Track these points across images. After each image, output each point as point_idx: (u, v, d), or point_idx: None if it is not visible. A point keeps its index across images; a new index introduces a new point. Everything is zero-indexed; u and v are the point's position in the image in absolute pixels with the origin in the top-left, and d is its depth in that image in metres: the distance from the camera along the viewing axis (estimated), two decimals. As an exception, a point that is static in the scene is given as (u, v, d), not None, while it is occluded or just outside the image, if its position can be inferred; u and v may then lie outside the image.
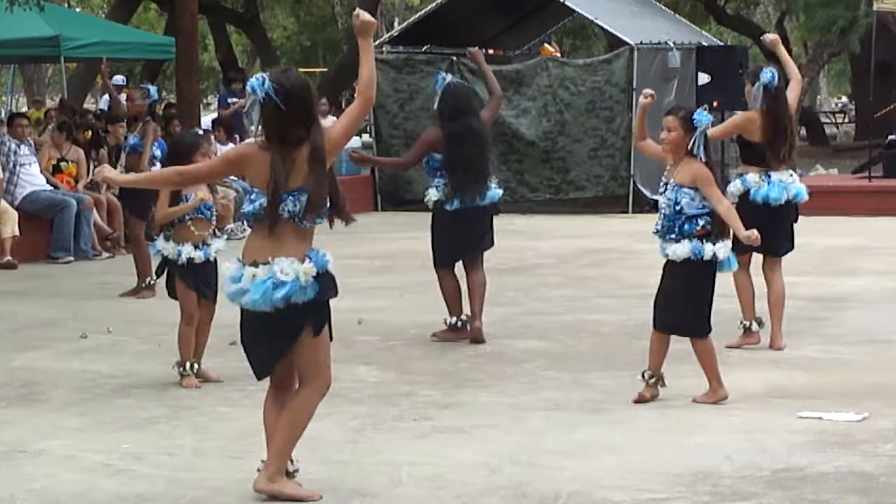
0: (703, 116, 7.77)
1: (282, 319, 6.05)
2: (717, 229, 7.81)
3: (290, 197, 6.02)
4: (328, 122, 26.28)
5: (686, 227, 7.83)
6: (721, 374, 7.94)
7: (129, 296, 12.40)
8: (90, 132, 17.16)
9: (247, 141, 6.13)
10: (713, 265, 7.82)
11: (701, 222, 7.82)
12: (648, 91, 8.11)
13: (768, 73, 9.38)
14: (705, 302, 7.88)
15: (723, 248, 7.80)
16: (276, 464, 6.12)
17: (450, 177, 9.90)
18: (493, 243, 10.26)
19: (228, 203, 17.12)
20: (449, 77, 10.18)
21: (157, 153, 12.65)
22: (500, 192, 10.25)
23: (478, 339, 9.93)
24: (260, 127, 6.04)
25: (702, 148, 7.77)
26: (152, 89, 13.33)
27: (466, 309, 10.08)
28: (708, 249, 7.76)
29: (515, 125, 20.41)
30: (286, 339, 6.10)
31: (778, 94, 9.38)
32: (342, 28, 41.69)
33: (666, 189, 7.89)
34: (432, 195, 10.00)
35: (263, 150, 6.04)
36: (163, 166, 8.98)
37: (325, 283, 6.10)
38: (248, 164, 6.11)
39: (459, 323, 10.04)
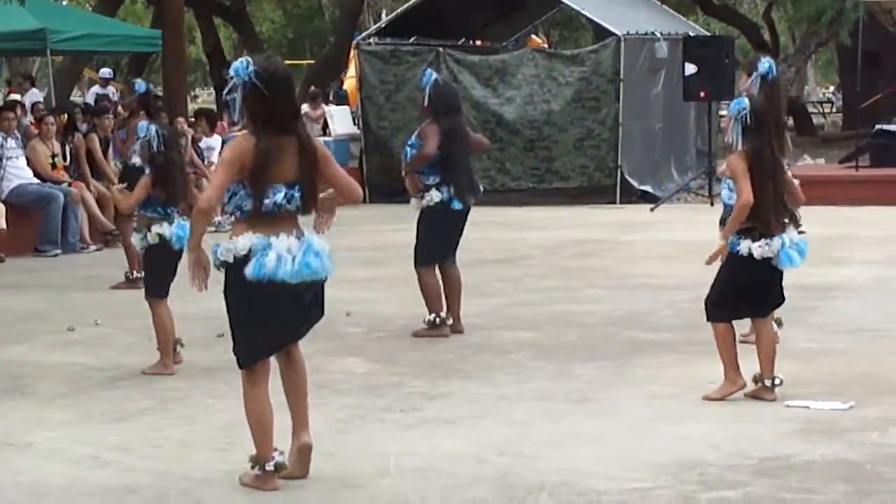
0: (735, 104, 7.59)
1: (316, 293, 6.15)
2: (758, 225, 7.62)
3: (285, 190, 6.00)
4: (320, 111, 26.17)
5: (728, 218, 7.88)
6: (711, 364, 7.92)
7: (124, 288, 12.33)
8: (66, 116, 17.04)
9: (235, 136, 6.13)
10: (751, 261, 7.64)
11: None
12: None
13: (766, 64, 9.12)
14: (729, 290, 7.74)
15: (762, 246, 7.61)
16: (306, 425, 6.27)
17: (449, 175, 9.78)
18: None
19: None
20: (434, 74, 10.11)
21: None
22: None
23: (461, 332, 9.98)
24: (242, 112, 6.05)
25: (739, 137, 7.56)
26: (139, 83, 13.07)
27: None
28: (744, 246, 7.65)
29: (500, 113, 20.41)
30: (316, 315, 6.22)
31: (773, 85, 8.79)
32: (329, 20, 41.68)
33: None
34: (434, 196, 9.77)
35: (253, 136, 6.00)
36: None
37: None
38: (245, 159, 6.01)
39: (438, 320, 9.98)
